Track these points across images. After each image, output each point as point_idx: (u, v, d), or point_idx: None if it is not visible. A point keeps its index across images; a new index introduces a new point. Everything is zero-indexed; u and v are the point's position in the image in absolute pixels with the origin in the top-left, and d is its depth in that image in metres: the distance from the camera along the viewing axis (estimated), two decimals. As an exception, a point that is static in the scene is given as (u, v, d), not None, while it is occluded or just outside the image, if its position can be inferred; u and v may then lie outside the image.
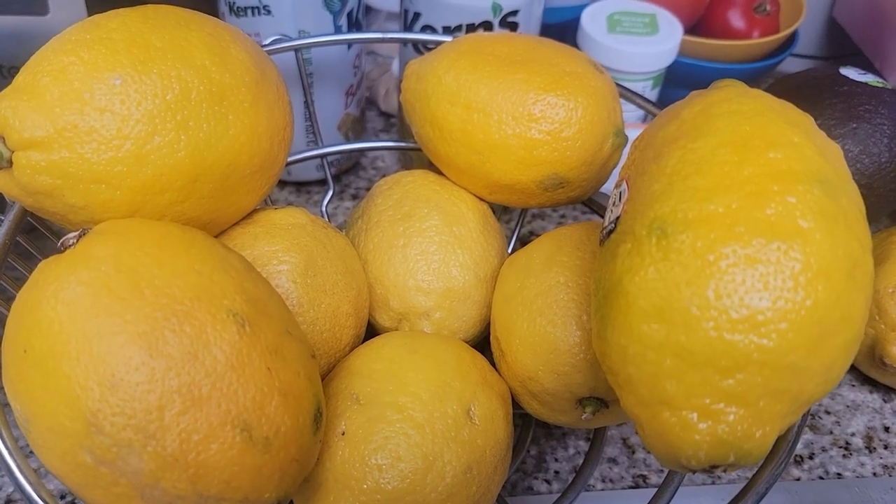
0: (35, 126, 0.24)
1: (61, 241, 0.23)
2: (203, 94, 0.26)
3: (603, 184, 0.34)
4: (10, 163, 0.24)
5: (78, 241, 0.23)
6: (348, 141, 0.47)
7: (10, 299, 0.24)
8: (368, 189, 0.48)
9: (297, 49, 0.38)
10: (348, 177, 0.49)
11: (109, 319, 0.21)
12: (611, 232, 0.23)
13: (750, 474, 0.34)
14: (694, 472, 0.20)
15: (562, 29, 0.50)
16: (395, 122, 0.53)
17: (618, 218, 0.23)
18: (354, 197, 0.48)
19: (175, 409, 0.21)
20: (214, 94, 0.26)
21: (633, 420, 0.21)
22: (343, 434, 0.25)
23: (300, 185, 0.48)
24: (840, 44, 0.59)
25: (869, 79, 0.42)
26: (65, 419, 0.20)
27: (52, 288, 0.21)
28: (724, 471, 0.20)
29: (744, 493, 0.24)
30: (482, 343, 0.33)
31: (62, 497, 0.33)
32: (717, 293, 0.19)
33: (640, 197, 0.22)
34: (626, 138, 0.33)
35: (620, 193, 0.24)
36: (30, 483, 0.24)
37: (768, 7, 0.52)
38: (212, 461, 0.21)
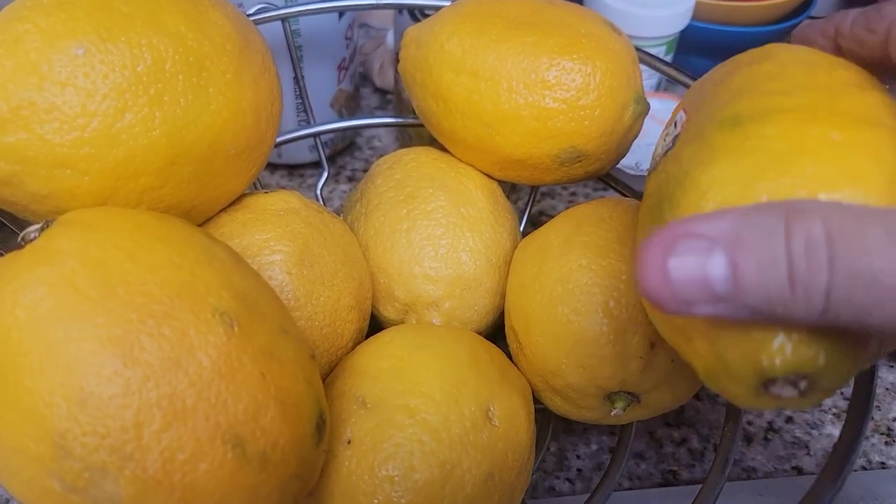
0: (-14, 104, 0.21)
1: (22, 234, 0.20)
2: (179, 64, 0.23)
3: (623, 156, 0.31)
4: (-40, 147, 0.21)
5: (40, 234, 0.20)
6: (342, 119, 0.44)
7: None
8: (365, 170, 0.45)
9: (284, 18, 0.35)
10: (343, 158, 0.46)
11: (76, 323, 0.18)
12: (668, 149, 0.20)
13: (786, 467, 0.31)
14: (772, 382, 0.16)
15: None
16: (392, 99, 0.50)
17: (677, 136, 0.20)
18: (351, 179, 0.45)
19: (155, 425, 0.18)
20: (192, 65, 0.23)
21: (691, 338, 0.18)
22: (349, 442, 0.23)
23: (293, 168, 0.45)
24: (860, 4, 0.56)
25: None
26: (29, 441, 0.18)
27: (9, 289, 0.19)
28: (803, 394, 0.16)
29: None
30: (495, 333, 0.30)
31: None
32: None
33: (706, 109, 0.19)
34: (647, 105, 0.30)
35: (676, 122, 0.21)
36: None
37: (784, -34, 0.49)
38: (200, 483, 0.18)
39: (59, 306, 0.18)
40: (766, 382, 0.16)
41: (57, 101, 0.21)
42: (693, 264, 0.15)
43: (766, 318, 0.15)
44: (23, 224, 0.29)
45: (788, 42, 0.22)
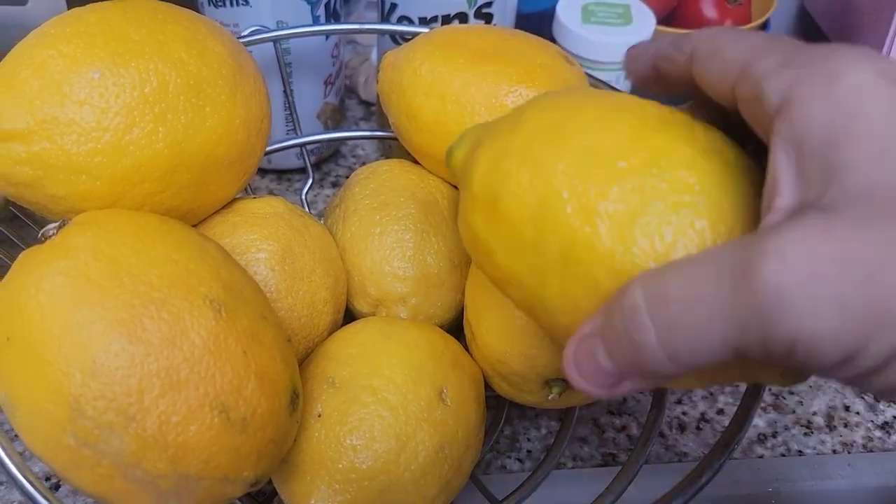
0: (16, 118, 0.24)
1: (42, 231, 0.24)
2: (180, 86, 0.26)
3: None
4: (-9, 155, 0.25)
5: (58, 231, 0.24)
6: (328, 130, 0.48)
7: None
8: (348, 177, 0.49)
9: (275, 40, 0.38)
10: (328, 164, 0.50)
11: (90, 308, 0.22)
12: None
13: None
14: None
15: (538, 18, 0.51)
16: (375, 111, 0.54)
17: None
18: (334, 185, 0.49)
19: (154, 392, 0.21)
20: (192, 87, 0.27)
21: None
22: (319, 416, 0.26)
23: (281, 173, 0.49)
24: (812, 36, 0.60)
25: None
26: (48, 404, 0.21)
27: (32, 277, 0.22)
28: None
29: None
30: (457, 327, 0.34)
31: (46, 479, 0.33)
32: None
33: None
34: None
35: None
36: (15, 465, 0.25)
37: (741, -3, 0.52)
38: (191, 442, 0.22)
39: (75, 293, 0.22)
40: None
41: (76, 116, 0.25)
42: (590, 364, 0.18)
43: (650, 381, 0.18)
44: (39, 220, 0.33)
45: (624, 58, 0.24)
